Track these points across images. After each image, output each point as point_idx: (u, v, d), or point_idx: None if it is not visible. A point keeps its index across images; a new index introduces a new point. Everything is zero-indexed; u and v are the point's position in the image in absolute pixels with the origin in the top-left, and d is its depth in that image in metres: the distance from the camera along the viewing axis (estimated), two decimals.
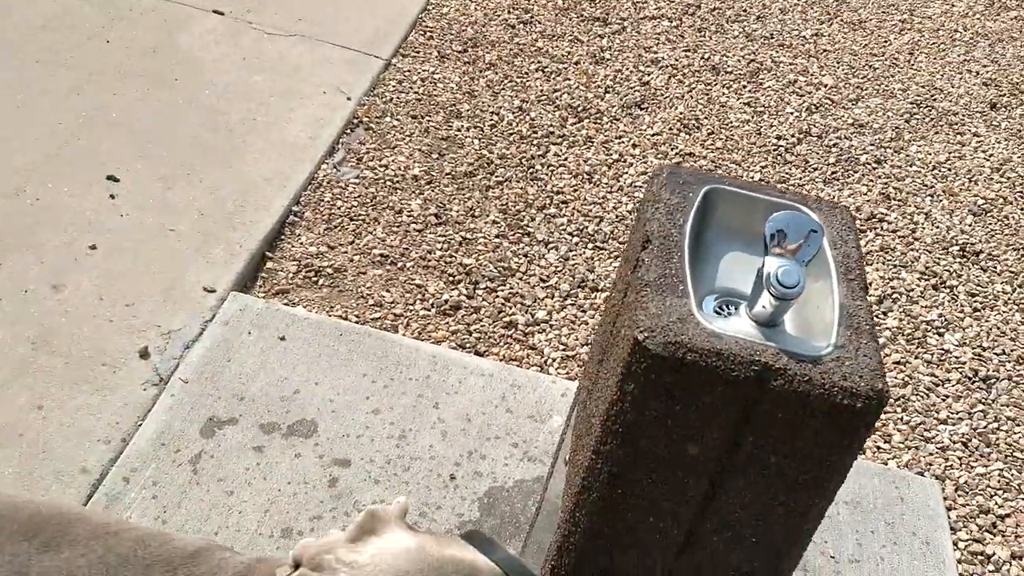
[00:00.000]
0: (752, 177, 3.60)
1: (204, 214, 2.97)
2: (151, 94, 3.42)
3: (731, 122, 3.88)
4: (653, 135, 3.73)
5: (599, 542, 1.28)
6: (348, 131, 3.49)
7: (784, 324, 1.19)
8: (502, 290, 2.93)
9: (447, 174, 3.35)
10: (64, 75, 3.41)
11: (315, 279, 2.87)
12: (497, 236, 3.12)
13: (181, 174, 3.11)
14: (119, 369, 2.45)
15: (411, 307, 2.83)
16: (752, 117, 3.93)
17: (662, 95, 3.97)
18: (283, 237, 3.00)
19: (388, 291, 2.86)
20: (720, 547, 1.26)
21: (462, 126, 3.60)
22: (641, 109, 3.87)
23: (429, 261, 2.98)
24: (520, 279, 2.98)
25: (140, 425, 2.33)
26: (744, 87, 4.10)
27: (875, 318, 3.13)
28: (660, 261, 1.23)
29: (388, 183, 3.27)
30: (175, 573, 1.12)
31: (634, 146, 3.66)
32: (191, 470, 2.25)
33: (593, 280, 3.03)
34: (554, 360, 2.75)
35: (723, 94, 4.04)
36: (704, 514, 1.23)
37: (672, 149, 3.67)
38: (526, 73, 3.96)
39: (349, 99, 3.62)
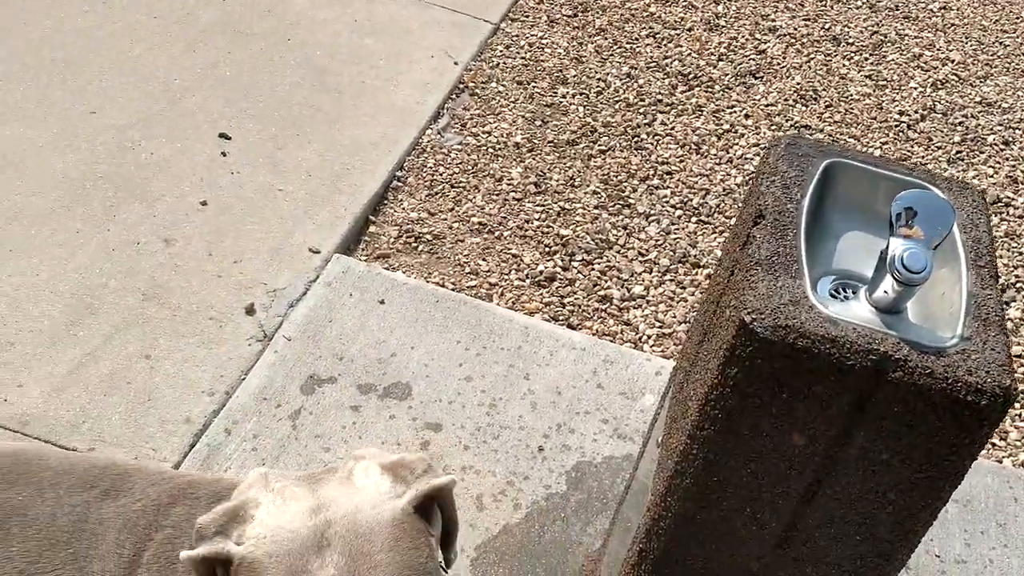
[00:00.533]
0: (872, 153, 3.43)
1: (312, 175, 3.01)
2: (264, 54, 3.47)
3: (851, 95, 3.70)
4: (767, 105, 3.60)
5: (691, 529, 1.24)
6: (454, 96, 3.47)
7: (906, 312, 1.11)
8: (598, 263, 2.87)
9: (549, 142, 3.30)
10: (178, 32, 3.49)
11: (415, 245, 2.87)
12: (596, 207, 3.06)
13: (291, 135, 3.15)
14: (225, 324, 2.51)
15: (506, 277, 2.81)
16: (873, 91, 3.74)
17: (778, 64, 3.82)
18: (386, 202, 3.01)
19: (484, 260, 2.84)
20: (822, 543, 1.20)
21: (567, 92, 3.54)
22: (756, 78, 3.73)
23: (526, 231, 2.95)
24: (618, 252, 2.92)
25: (243, 379, 2.38)
26: (866, 59, 3.91)
27: None
28: (773, 238, 1.16)
29: (490, 150, 3.24)
30: (221, 502, 1.14)
31: (746, 116, 3.53)
32: (290, 425, 2.30)
33: (695, 256, 2.95)
34: (649, 337, 2.69)
35: (843, 66, 3.86)
36: (806, 508, 1.17)
37: (787, 120, 3.52)
38: (636, 39, 3.86)
39: (456, 64, 3.60)
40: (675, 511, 1.25)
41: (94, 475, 1.19)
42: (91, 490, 1.17)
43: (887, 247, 1.06)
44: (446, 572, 1.07)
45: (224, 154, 3.02)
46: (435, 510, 1.03)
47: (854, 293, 1.16)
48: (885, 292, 1.08)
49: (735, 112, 3.54)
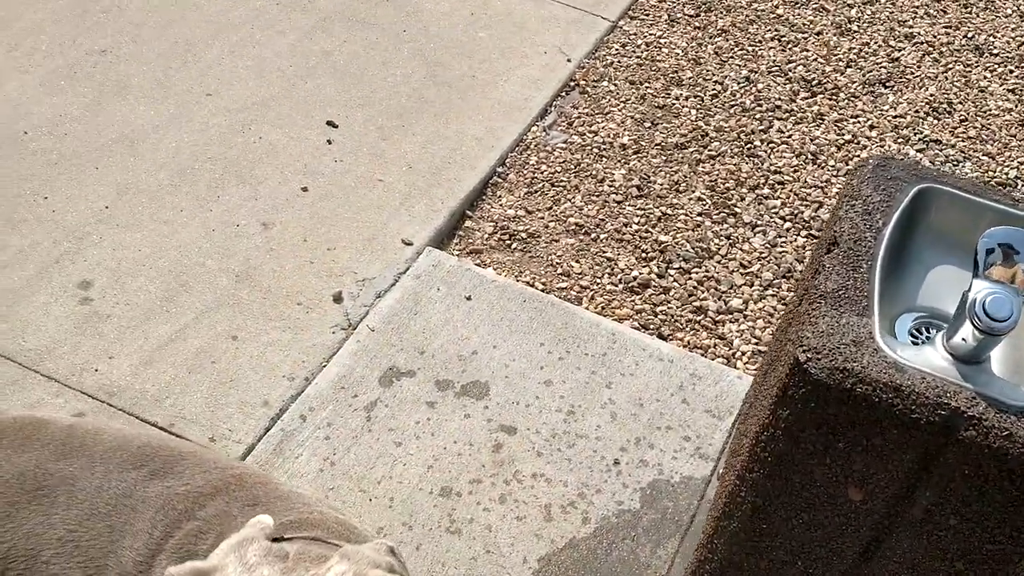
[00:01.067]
0: (1007, 174, 3.17)
1: (412, 167, 3.01)
2: (378, 44, 3.50)
3: (990, 109, 3.44)
4: (895, 116, 3.38)
5: (737, 575, 1.15)
6: (563, 93, 3.41)
7: (989, 362, 0.98)
8: (696, 272, 2.76)
9: (657, 144, 3.19)
10: (299, 19, 3.56)
11: (508, 242, 2.83)
12: (700, 214, 2.94)
13: (396, 125, 3.16)
14: (312, 310, 2.53)
15: (598, 280, 2.73)
16: (1016, 106, 3.46)
17: (912, 74, 3.58)
18: (484, 197, 2.98)
19: (578, 261, 2.77)
20: None
21: (681, 95, 3.42)
22: (886, 87, 3.52)
23: (624, 234, 2.86)
24: (718, 262, 2.80)
25: (324, 367, 2.40)
26: (1010, 72, 3.62)
27: None
28: (844, 269, 1.06)
29: (595, 150, 3.16)
30: (255, 509, 1.12)
31: (871, 127, 3.33)
32: (365, 417, 2.30)
33: (801, 271, 2.79)
34: (743, 354, 2.57)
35: (984, 77, 3.59)
36: (863, 568, 1.06)
37: (915, 134, 3.30)
38: (760, 41, 3.70)
39: (569, 60, 3.53)
40: (720, 555, 1.16)
41: (147, 454, 1.21)
42: (140, 469, 1.18)
43: (969, 288, 0.95)
44: None
45: (329, 142, 3.06)
46: None
47: (934, 335, 1.05)
48: (963, 340, 0.96)
49: (859, 122, 3.34)
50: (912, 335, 1.09)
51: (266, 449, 2.20)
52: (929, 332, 1.08)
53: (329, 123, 3.13)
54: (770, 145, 3.22)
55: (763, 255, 2.83)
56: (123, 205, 2.75)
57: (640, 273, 2.75)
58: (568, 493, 2.18)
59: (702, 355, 2.56)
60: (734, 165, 3.13)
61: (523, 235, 2.85)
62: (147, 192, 2.80)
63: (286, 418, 2.27)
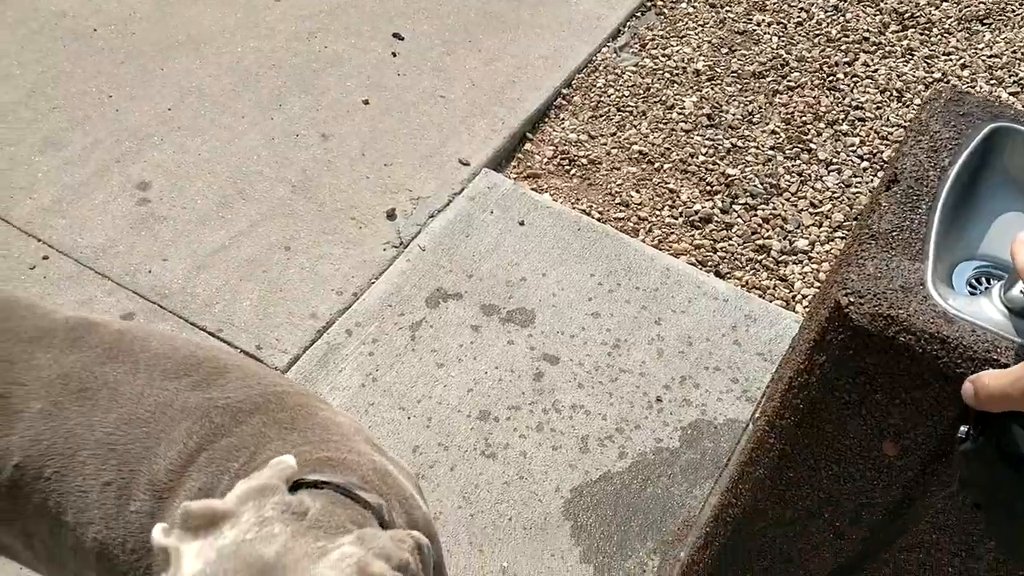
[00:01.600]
0: None
1: (476, 85, 2.94)
2: None
3: None
4: (990, 56, 3.16)
5: (759, 524, 1.10)
6: (638, 14, 3.27)
7: None
8: (763, 209, 2.65)
9: (732, 72, 3.05)
10: None
11: (568, 167, 2.76)
12: (772, 148, 2.82)
13: (462, 40, 3.08)
14: (365, 226, 2.52)
15: (658, 212, 2.65)
16: None
17: (1013, 11, 3.34)
18: (546, 119, 2.90)
19: (638, 191, 2.69)
20: (907, 568, 1.04)
21: (763, 20, 3.25)
22: (983, 25, 3.29)
23: (689, 165, 2.76)
24: (787, 200, 2.68)
25: (373, 283, 2.39)
26: None
27: None
28: (900, 209, 0.98)
29: (666, 75, 3.04)
30: (292, 434, 1.11)
31: (963, 67, 3.12)
32: (410, 336, 2.29)
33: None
34: (804, 297, 2.47)
35: None
36: (892, 526, 1.01)
37: (1010, 76, 3.09)
38: None
39: None
40: (744, 501, 1.12)
41: (191, 364, 1.20)
42: (184, 378, 1.18)
43: None
44: None
45: (394, 54, 3.00)
46: None
47: (992, 286, 0.96)
48: (1021, 292, 0.88)
49: (951, 60, 3.14)
50: (971, 285, 1.01)
51: (310, 361, 2.21)
52: (990, 283, 1.00)
53: (395, 35, 3.07)
54: (853, 79, 3.05)
55: (835, 195, 2.70)
56: (185, 108, 2.75)
57: (703, 207, 2.65)
58: (606, 427, 2.15)
59: (760, 296, 2.47)
60: (813, 98, 2.98)
61: (583, 161, 2.77)
62: (210, 96, 2.79)
63: (332, 331, 2.28)
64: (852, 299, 0.90)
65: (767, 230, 2.61)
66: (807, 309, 2.46)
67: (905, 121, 2.92)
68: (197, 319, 2.24)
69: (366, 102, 2.84)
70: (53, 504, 1.13)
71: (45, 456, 1.14)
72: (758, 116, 2.91)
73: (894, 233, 0.96)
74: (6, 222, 2.38)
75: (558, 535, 1.96)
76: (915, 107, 2.97)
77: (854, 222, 2.64)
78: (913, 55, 3.15)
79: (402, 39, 3.06)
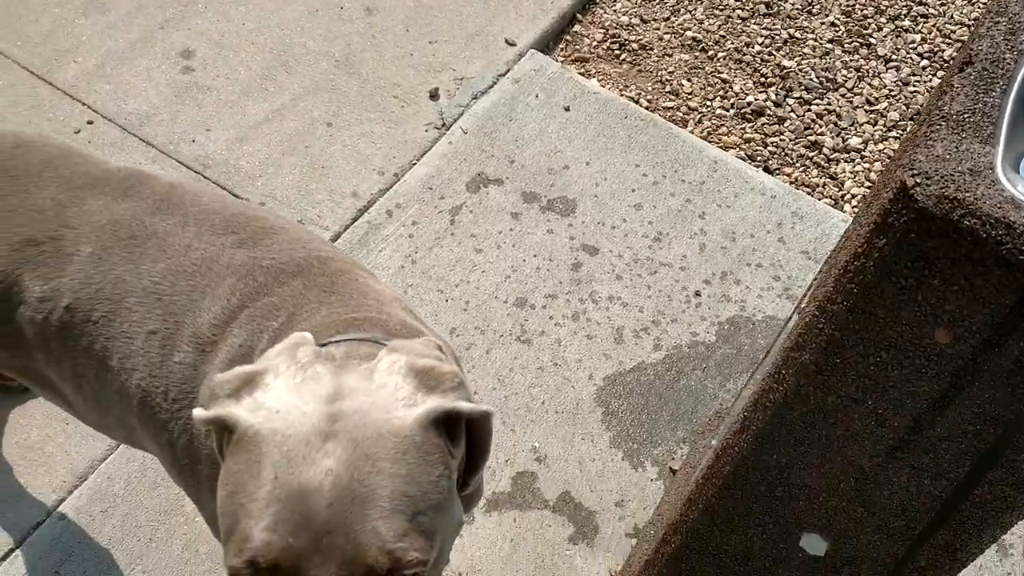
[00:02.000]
0: None
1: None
2: None
3: None
4: None
5: (801, 409, 1.10)
6: None
7: None
8: (818, 104, 2.57)
9: None
10: None
11: (618, 52, 2.68)
12: (830, 41, 2.71)
13: None
14: (408, 105, 2.48)
15: (709, 102, 2.57)
16: None
17: None
18: (597, 0, 2.80)
19: (689, 80, 2.61)
20: (946, 457, 1.03)
21: None
22: None
23: (744, 55, 2.67)
24: (842, 96, 2.60)
25: (414, 165, 2.37)
26: None
27: None
28: (973, 91, 0.93)
29: None
30: (331, 296, 1.11)
31: None
32: (449, 220, 2.28)
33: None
34: (853, 197, 2.42)
35: None
36: (936, 415, 1.00)
37: None
38: None
39: None
40: (787, 386, 1.11)
41: (239, 222, 1.20)
42: (231, 235, 1.18)
43: None
44: (463, 492, 0.98)
45: None
46: (461, 429, 0.93)
47: None
48: None
49: None
50: None
51: (351, 239, 2.22)
52: None
53: None
54: None
55: (892, 93, 2.61)
56: None
57: (755, 99, 2.58)
58: (643, 319, 2.14)
59: (808, 194, 2.42)
60: None
61: (634, 46, 2.69)
62: None
63: (373, 211, 2.27)
64: (919, 180, 0.87)
65: (820, 126, 2.54)
66: (860, 203, 2.41)
67: (970, 20, 2.79)
68: (240, 191, 2.24)
69: None
70: (100, 347, 1.15)
71: (94, 300, 1.15)
72: (818, 6, 2.79)
73: (965, 115, 0.92)
74: (51, 84, 2.37)
75: (589, 420, 1.99)
76: (981, 5, 2.83)
77: (910, 122, 2.56)
78: None
79: None
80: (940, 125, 0.91)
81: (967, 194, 0.85)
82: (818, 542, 1.24)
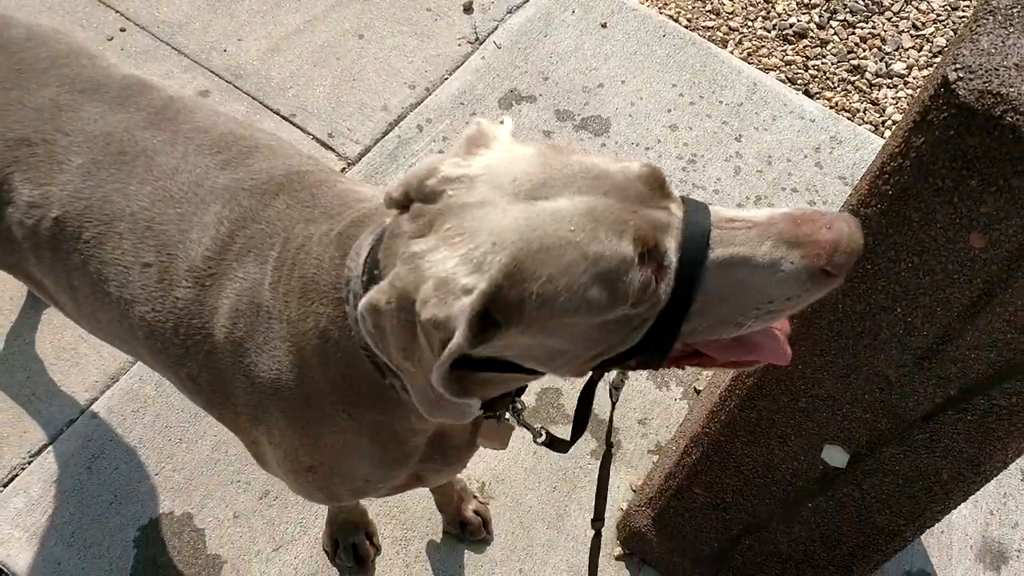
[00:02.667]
0: None
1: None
2: None
3: None
4: None
5: (831, 318, 1.08)
6: None
7: None
8: (862, 28, 2.49)
9: None
10: None
11: None
12: None
13: None
14: (441, 18, 2.44)
15: (750, 23, 2.50)
16: None
17: None
18: None
19: None
20: (975, 367, 1.02)
21: None
22: None
23: None
24: (888, 19, 2.51)
25: (445, 79, 2.34)
26: None
27: None
28: None
29: None
30: (314, 211, 1.09)
31: None
32: None
33: None
34: (895, 123, 2.35)
35: None
36: (967, 324, 0.98)
37: None
38: None
39: None
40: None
41: (227, 142, 1.18)
42: (216, 155, 1.16)
43: None
44: None
45: None
46: None
47: None
48: None
49: None
50: None
51: (381, 152, 2.20)
52: None
53: None
54: None
55: (940, 17, 2.52)
56: None
57: (798, 20, 2.50)
58: None
59: (849, 119, 2.36)
60: None
61: None
62: None
63: (404, 125, 2.25)
64: (962, 74, 0.84)
65: (864, 50, 2.46)
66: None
67: None
68: (271, 102, 2.23)
69: None
70: (94, 270, 1.15)
71: (83, 217, 1.14)
72: None
73: (1015, 9, 0.88)
74: None
75: None
76: None
77: None
78: None
79: None
80: (987, 20, 0.88)
81: (1011, 89, 0.82)
82: (840, 454, 1.24)
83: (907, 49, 2.46)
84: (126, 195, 1.14)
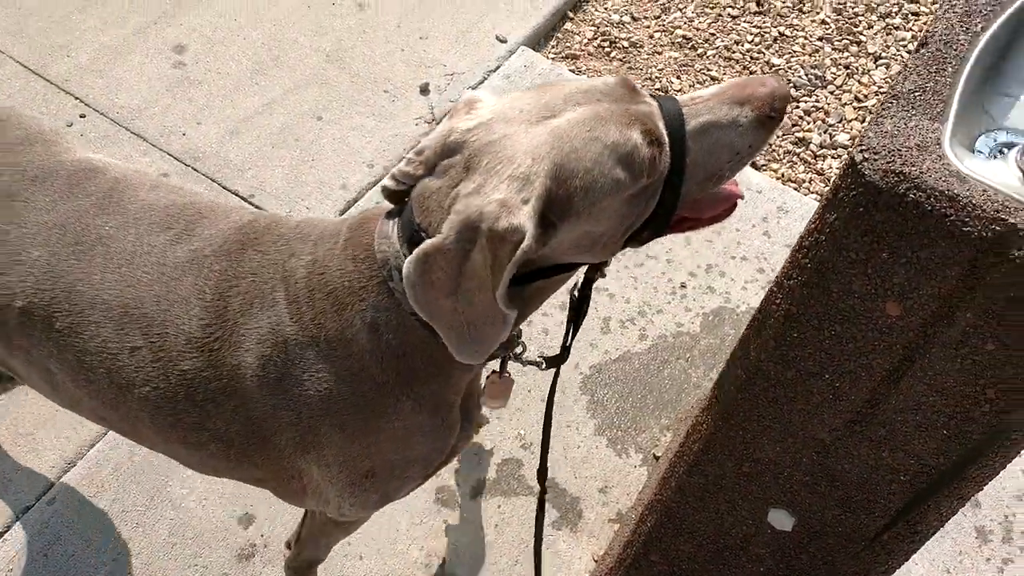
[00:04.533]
0: None
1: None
2: None
3: None
4: None
5: (764, 384, 1.12)
6: None
7: None
8: (806, 101, 2.60)
9: None
10: None
11: (608, 50, 2.71)
12: (820, 38, 2.73)
13: None
14: (398, 99, 2.51)
15: None
16: None
17: None
18: None
19: (679, 77, 2.64)
20: (903, 430, 1.05)
21: None
22: None
23: (733, 53, 2.69)
24: (831, 93, 2.62)
25: (404, 157, 2.39)
26: None
27: None
28: (926, 70, 0.96)
29: None
30: (288, 245, 1.14)
31: None
32: None
33: None
34: None
35: None
36: (891, 388, 1.02)
37: None
38: None
39: None
40: (750, 361, 1.13)
41: (172, 215, 1.21)
42: (167, 231, 1.19)
43: None
44: None
45: None
46: None
47: (1008, 152, 0.95)
48: None
49: None
50: (998, 152, 0.99)
51: None
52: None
53: None
54: None
55: (881, 89, 2.63)
56: None
57: None
58: (629, 309, 2.17)
59: (795, 189, 2.44)
60: None
61: (625, 43, 2.71)
62: None
63: (362, 203, 2.30)
64: (867, 155, 0.89)
65: (808, 123, 2.56)
66: None
67: None
68: (230, 183, 2.27)
69: None
70: (73, 358, 1.16)
71: (51, 308, 1.15)
72: (808, 4, 2.82)
73: (916, 93, 0.94)
74: (45, 79, 2.41)
75: (575, 408, 2.01)
76: None
77: None
78: None
79: None
80: (892, 103, 0.94)
81: (913, 168, 0.87)
82: (785, 517, 1.26)
83: (850, 121, 2.56)
84: (92, 284, 1.16)
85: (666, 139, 1.00)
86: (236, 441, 1.16)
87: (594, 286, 1.29)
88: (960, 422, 1.00)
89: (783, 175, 2.47)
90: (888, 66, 2.68)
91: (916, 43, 1.03)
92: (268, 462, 1.19)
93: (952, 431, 1.01)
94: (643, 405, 2.03)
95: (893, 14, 2.81)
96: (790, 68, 2.66)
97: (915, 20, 2.80)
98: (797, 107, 2.59)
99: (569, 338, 1.28)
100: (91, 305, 1.15)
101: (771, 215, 2.35)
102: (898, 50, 2.72)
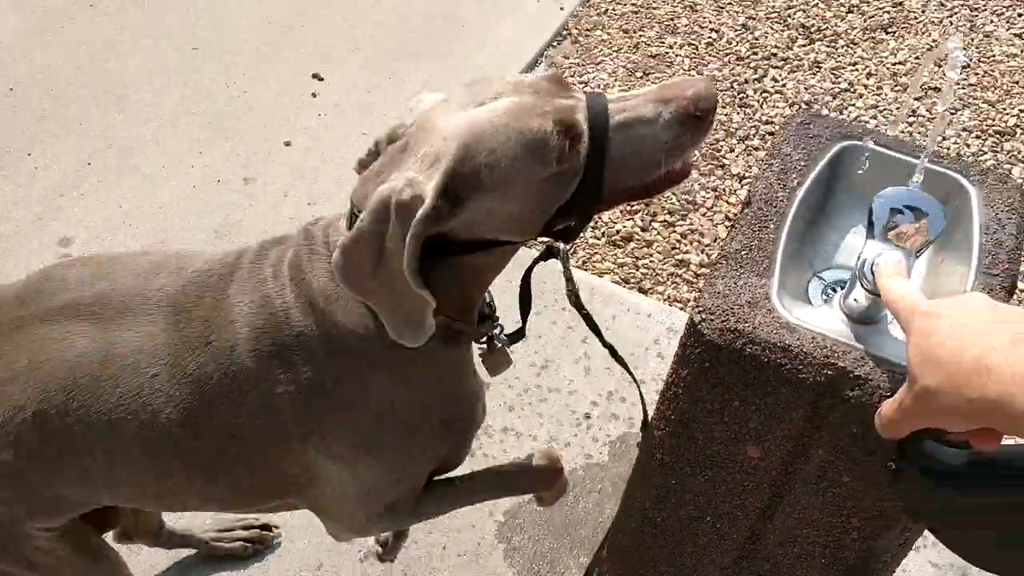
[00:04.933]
0: (1006, 122, 3.10)
1: (401, 119, 2.99)
2: None
3: (993, 55, 3.35)
4: (895, 64, 3.30)
5: (652, 530, 1.16)
6: (555, 43, 3.36)
7: (887, 322, 0.98)
8: (681, 225, 2.74)
9: None
10: None
11: None
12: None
13: (382, 78, 3.15)
14: None
15: (581, 234, 2.72)
16: (1021, 52, 3.36)
17: (915, 19, 3.49)
18: None
19: None
20: (785, 562, 1.10)
21: (675, 43, 3.36)
22: (887, 33, 3.43)
23: None
24: (703, 215, 2.78)
25: None
26: (1019, 15, 3.51)
27: None
28: (750, 229, 1.05)
29: None
30: (251, 275, 1.18)
31: (869, 75, 3.25)
32: None
33: None
34: None
35: (991, 21, 3.49)
36: (767, 524, 1.07)
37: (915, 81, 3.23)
38: None
39: (562, 9, 3.48)
40: (636, 509, 1.18)
41: (100, 305, 1.18)
42: (93, 321, 1.17)
43: (861, 250, 0.93)
44: None
45: (314, 95, 3.05)
46: None
47: (833, 297, 1.04)
48: (855, 300, 0.95)
49: (857, 70, 3.27)
50: (825, 295, 1.08)
51: None
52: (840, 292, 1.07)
53: (315, 76, 3.13)
54: (763, 95, 3.16)
55: None
56: (106, 160, 2.77)
57: (624, 226, 2.73)
58: (537, 447, 2.20)
59: (681, 309, 2.55)
60: (725, 115, 3.08)
61: None
62: (131, 146, 2.82)
63: None
64: (704, 316, 0.97)
65: (685, 245, 2.70)
66: None
67: None
68: None
69: (287, 143, 2.88)
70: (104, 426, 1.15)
71: (65, 405, 1.14)
72: None
73: (743, 252, 1.03)
74: None
75: (491, 558, 2.01)
76: None
77: None
78: (820, 67, 3.28)
79: (322, 79, 3.12)
80: (722, 264, 1.02)
81: (746, 324, 0.95)
82: None
83: (724, 239, 2.71)
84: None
85: (585, 130, 1.07)
86: (248, 435, 1.16)
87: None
88: (834, 550, 1.05)
89: (669, 296, 2.58)
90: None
91: (743, 202, 1.13)
92: (292, 459, 1.19)
93: (828, 559, 1.07)
94: (560, 546, 2.04)
95: (751, 136, 3.02)
96: (662, 195, 2.81)
97: (772, 139, 3.00)
98: (674, 231, 2.73)
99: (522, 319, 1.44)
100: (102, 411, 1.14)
101: (662, 336, 2.44)
102: (760, 169, 2.91)
